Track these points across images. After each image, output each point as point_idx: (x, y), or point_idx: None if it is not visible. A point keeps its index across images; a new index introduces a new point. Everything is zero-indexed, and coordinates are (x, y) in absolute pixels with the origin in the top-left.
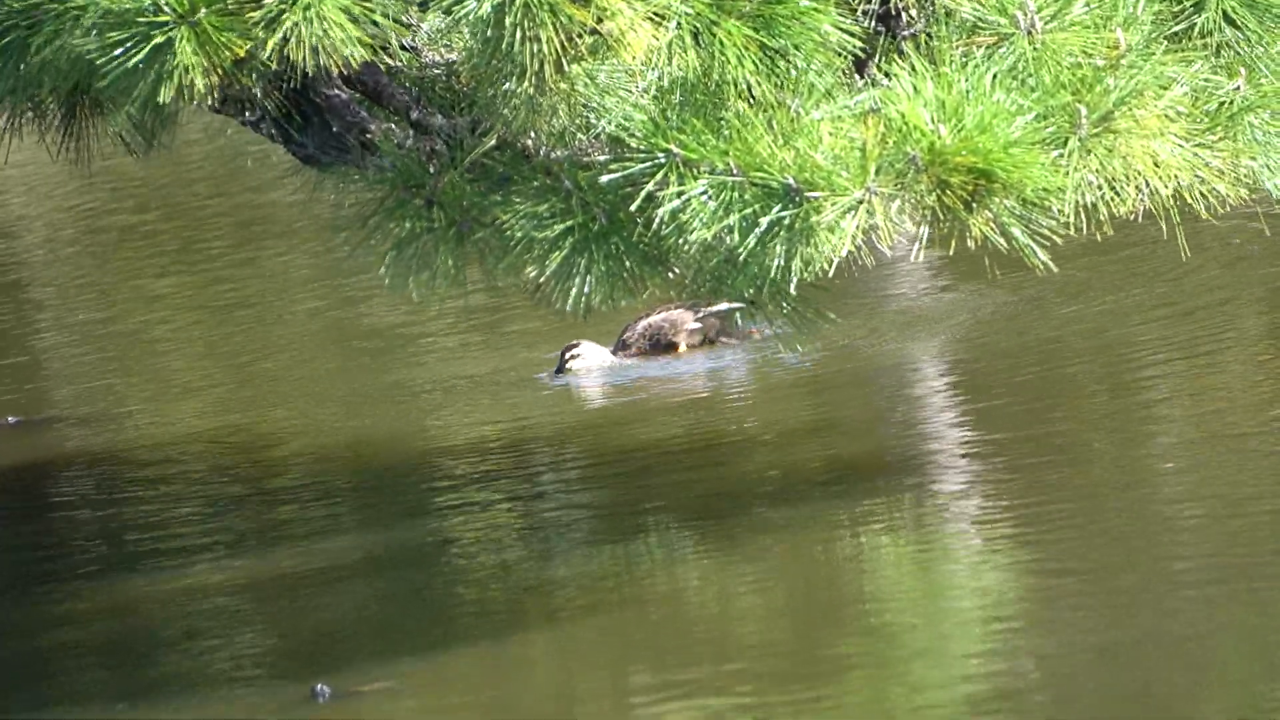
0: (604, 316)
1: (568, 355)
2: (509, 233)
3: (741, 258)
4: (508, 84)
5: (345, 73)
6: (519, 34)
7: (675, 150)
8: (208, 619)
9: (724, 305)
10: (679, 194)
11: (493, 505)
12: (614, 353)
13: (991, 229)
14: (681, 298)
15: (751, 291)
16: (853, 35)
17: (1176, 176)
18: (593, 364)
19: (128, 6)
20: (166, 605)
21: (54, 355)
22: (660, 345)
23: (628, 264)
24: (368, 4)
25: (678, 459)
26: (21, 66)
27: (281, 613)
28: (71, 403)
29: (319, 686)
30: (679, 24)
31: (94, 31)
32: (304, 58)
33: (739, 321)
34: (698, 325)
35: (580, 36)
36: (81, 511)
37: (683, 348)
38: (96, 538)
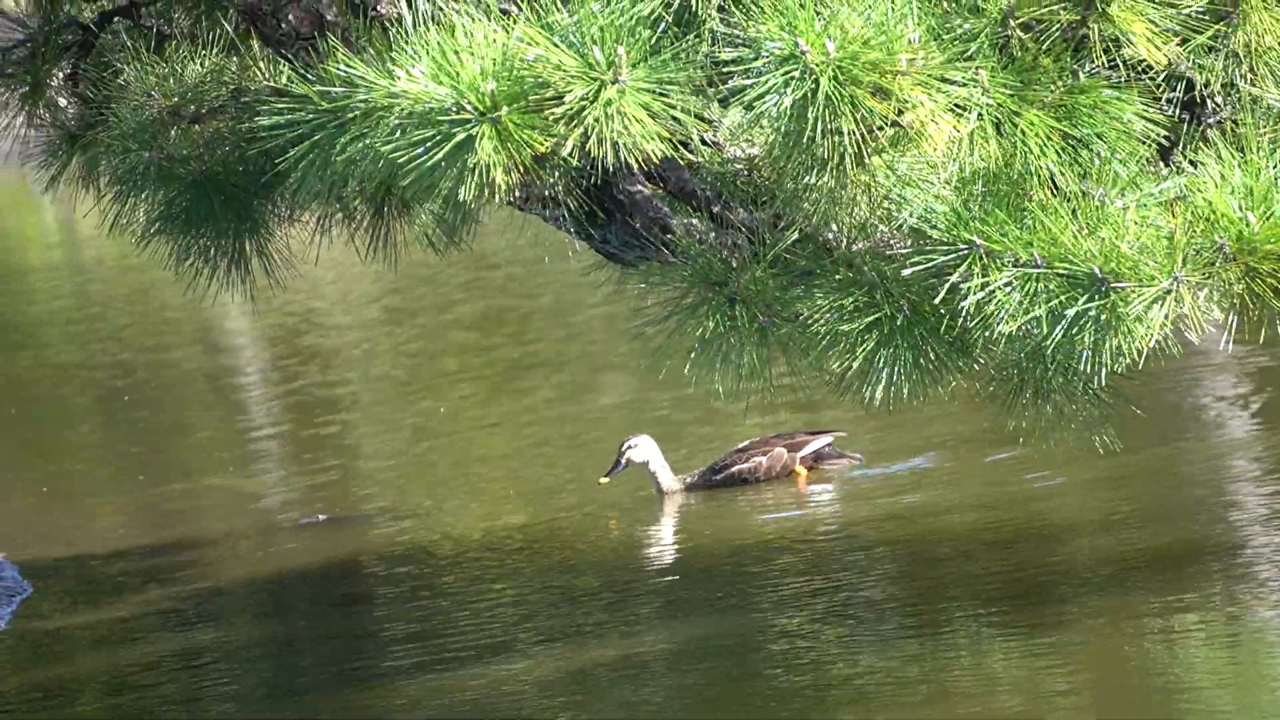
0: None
1: (625, 449)
2: (813, 327)
3: (1048, 349)
4: (809, 177)
5: (646, 168)
6: (820, 127)
7: (978, 241)
8: (519, 712)
9: (819, 442)
10: (983, 285)
11: (793, 597)
12: (688, 485)
13: None
14: (988, 389)
15: (1060, 382)
16: (1157, 124)
17: None
18: (650, 457)
19: (431, 105)
20: (477, 701)
21: (361, 452)
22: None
23: (933, 356)
24: (668, 100)
25: (977, 551)
26: (328, 167)
27: (591, 707)
28: (379, 498)
29: None
30: (980, 115)
31: (398, 130)
32: (605, 154)
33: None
34: (793, 461)
35: (881, 129)
36: (391, 607)
37: (801, 473)
38: (406, 633)
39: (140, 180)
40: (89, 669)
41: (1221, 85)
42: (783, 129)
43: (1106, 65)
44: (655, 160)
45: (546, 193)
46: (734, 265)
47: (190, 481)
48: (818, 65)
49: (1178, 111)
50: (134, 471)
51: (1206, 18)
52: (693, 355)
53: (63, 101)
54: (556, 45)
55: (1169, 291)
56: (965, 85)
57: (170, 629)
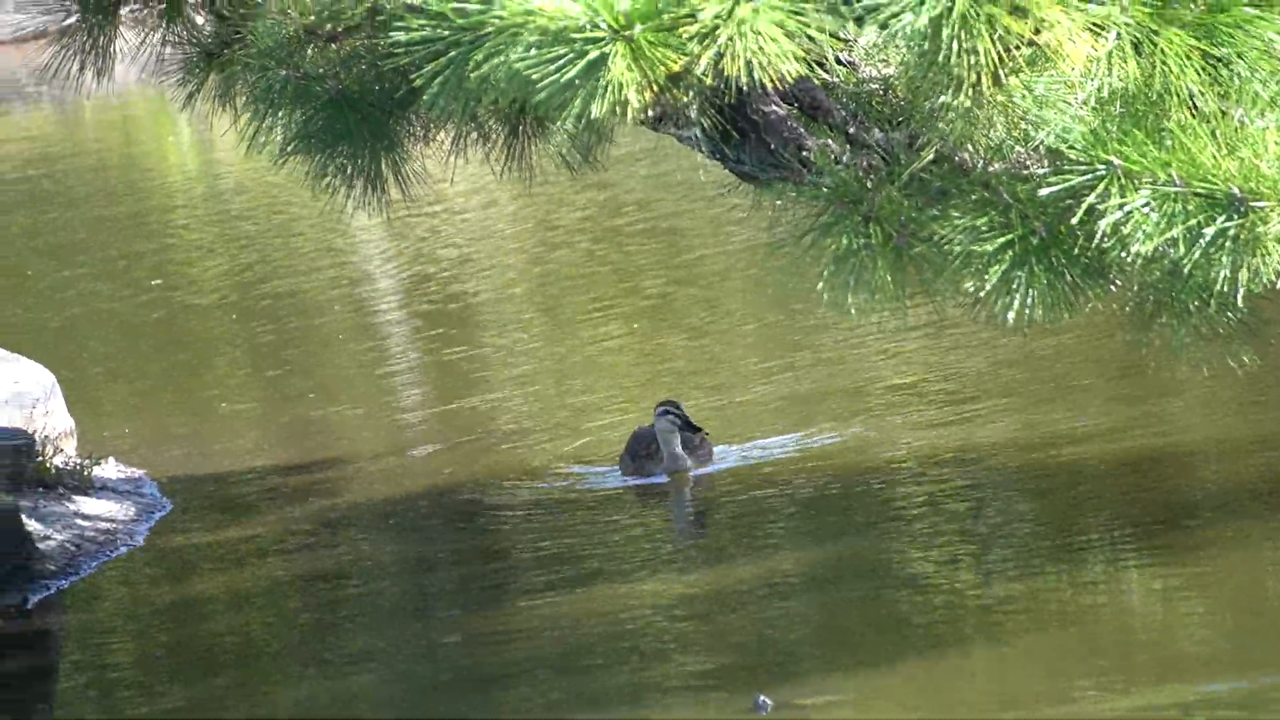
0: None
1: (670, 408)
2: (947, 247)
3: (1186, 269)
4: (944, 97)
5: (780, 88)
6: (956, 46)
7: (1116, 162)
8: (652, 632)
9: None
10: (1120, 206)
11: (930, 520)
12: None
13: None
14: (1125, 311)
15: (1196, 304)
16: None
17: None
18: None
19: (565, 23)
20: (611, 619)
21: (498, 374)
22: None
23: (1069, 277)
24: (803, 18)
25: (1112, 474)
26: (463, 83)
27: (726, 626)
28: (515, 419)
29: (761, 698)
30: (1119, 34)
31: (532, 48)
32: (739, 72)
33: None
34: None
35: (1018, 48)
36: (524, 527)
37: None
38: (538, 553)
39: (276, 99)
40: (224, 586)
41: None
42: (918, 48)
43: None
44: (789, 80)
45: (680, 112)
46: (869, 184)
47: (327, 401)
48: None
49: None
50: (272, 391)
51: None
52: (826, 275)
53: (199, 19)
54: None
55: None
56: (1104, 3)
57: (306, 548)
